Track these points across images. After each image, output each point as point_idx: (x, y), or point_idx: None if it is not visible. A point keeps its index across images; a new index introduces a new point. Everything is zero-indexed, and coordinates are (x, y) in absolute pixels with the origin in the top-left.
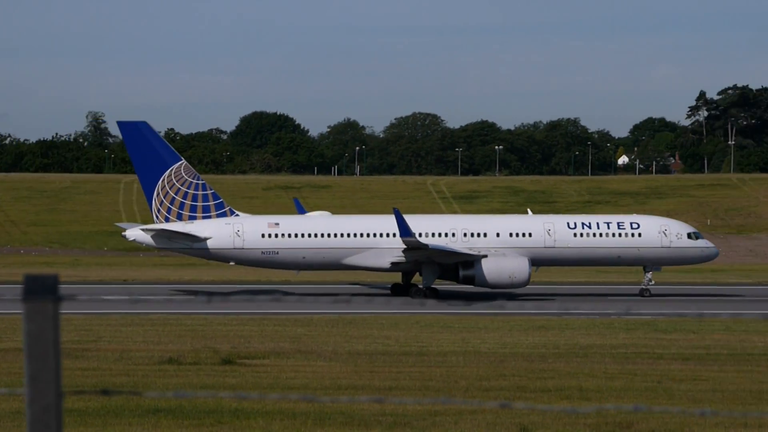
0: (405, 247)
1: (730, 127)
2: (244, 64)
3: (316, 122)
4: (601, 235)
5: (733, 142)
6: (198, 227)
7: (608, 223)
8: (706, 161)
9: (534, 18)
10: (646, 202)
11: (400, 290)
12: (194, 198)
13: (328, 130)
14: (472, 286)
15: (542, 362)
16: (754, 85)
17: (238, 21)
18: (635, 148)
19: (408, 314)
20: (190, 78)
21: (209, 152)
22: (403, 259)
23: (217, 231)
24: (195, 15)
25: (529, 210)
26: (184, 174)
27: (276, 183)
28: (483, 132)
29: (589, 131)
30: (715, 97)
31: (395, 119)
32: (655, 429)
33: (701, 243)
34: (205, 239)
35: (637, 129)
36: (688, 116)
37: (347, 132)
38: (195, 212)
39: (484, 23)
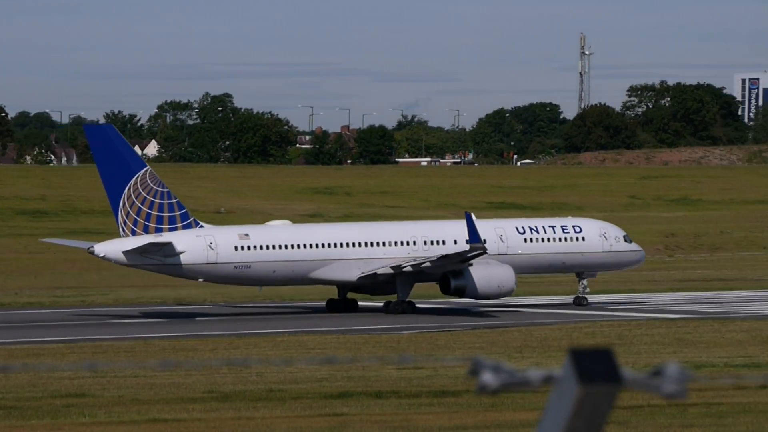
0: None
1: None
2: None
3: None
4: (547, 240)
5: None
6: (172, 240)
7: (553, 227)
8: None
9: None
10: None
11: (337, 306)
12: (160, 208)
13: None
14: (461, 299)
15: None
16: None
17: None
18: None
19: None
20: None
21: None
22: (377, 270)
23: (190, 244)
24: None
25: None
26: (149, 181)
27: None
28: None
29: None
30: None
31: None
32: None
33: (634, 246)
34: (179, 253)
35: None
36: None
37: None
38: (161, 223)
39: None
